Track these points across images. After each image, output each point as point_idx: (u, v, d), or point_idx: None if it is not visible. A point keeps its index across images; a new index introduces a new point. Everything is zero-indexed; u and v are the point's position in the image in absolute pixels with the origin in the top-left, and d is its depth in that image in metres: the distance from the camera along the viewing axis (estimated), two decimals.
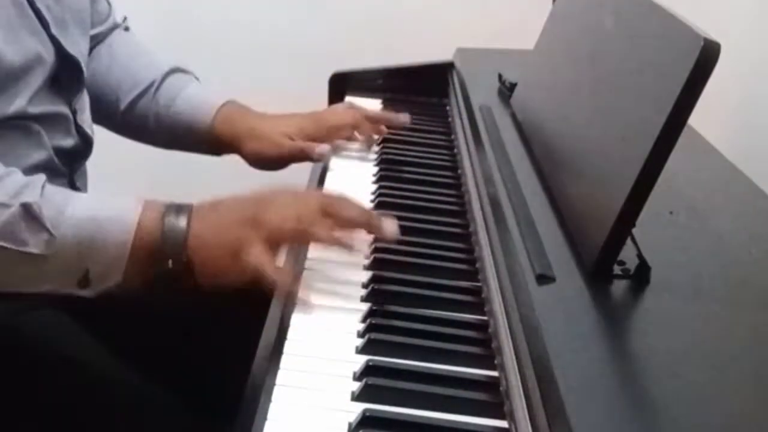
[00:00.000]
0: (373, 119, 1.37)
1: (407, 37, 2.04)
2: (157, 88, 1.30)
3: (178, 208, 0.96)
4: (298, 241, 1.01)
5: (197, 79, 1.36)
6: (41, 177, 0.97)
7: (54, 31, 1.10)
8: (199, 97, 1.31)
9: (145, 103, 1.30)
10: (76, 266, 0.93)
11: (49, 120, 1.10)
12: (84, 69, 1.17)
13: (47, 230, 0.92)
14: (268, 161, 1.29)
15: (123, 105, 1.30)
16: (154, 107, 1.30)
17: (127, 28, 1.37)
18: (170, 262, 0.94)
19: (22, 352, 1.05)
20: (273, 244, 0.97)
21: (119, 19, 1.37)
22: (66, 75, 1.13)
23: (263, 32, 2.11)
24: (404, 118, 1.39)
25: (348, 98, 1.55)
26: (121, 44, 1.34)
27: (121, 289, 0.95)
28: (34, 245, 0.91)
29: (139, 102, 1.30)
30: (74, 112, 1.15)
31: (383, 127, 1.38)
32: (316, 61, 1.67)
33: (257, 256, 0.95)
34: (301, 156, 1.28)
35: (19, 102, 1.05)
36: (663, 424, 0.70)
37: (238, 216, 0.97)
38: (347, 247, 0.99)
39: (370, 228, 1.01)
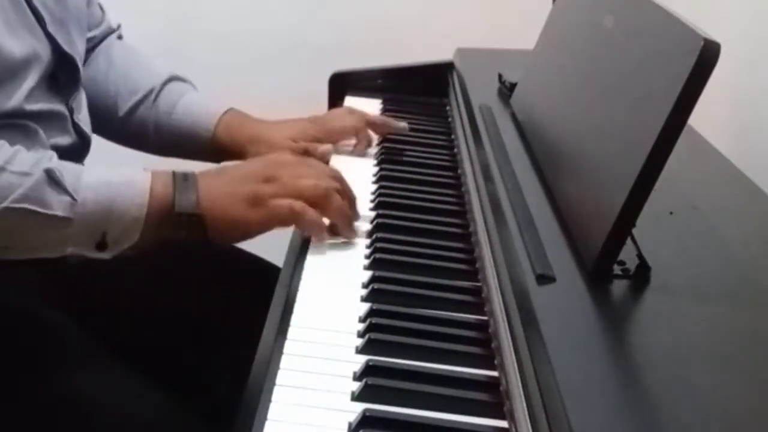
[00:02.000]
0: (373, 125, 1.37)
1: (407, 37, 2.04)
2: (157, 95, 1.30)
3: (184, 174, 1.03)
4: (311, 199, 1.04)
5: (194, 87, 1.35)
6: (51, 151, 1.03)
7: (51, 28, 1.10)
8: (199, 105, 1.31)
9: (145, 110, 1.30)
10: (96, 229, 0.98)
11: (46, 118, 1.10)
12: (81, 68, 1.17)
13: (69, 194, 0.97)
14: None
15: (122, 112, 1.30)
16: (153, 115, 1.30)
17: (120, 37, 1.37)
18: (184, 217, 1.00)
19: (22, 353, 1.05)
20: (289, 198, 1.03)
21: (114, 25, 1.37)
22: (63, 73, 1.13)
23: (263, 32, 2.11)
24: (403, 124, 1.39)
25: (348, 98, 1.55)
26: (119, 51, 1.34)
27: (135, 251, 1.01)
28: (59, 208, 0.97)
29: (139, 109, 1.30)
30: (71, 111, 1.15)
31: (382, 131, 1.38)
32: (316, 61, 1.68)
33: (289, 203, 1.02)
34: (305, 155, 1.27)
35: (16, 98, 1.05)
36: (663, 424, 0.70)
37: (250, 171, 1.06)
38: (350, 228, 1.07)
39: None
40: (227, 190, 1.03)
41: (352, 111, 1.39)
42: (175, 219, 1.00)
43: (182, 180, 1.02)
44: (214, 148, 1.29)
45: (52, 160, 0.99)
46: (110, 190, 0.99)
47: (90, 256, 0.99)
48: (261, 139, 1.28)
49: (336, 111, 1.42)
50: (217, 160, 1.31)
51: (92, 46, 1.31)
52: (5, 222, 0.95)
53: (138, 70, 1.32)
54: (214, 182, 1.03)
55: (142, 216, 0.99)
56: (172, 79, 1.32)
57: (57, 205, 0.97)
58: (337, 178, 1.08)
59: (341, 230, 1.07)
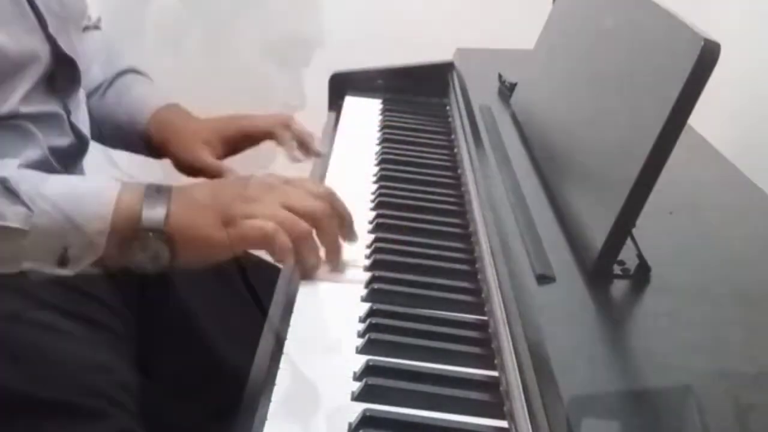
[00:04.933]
0: (296, 133, 1.30)
1: (407, 37, 2.04)
2: (107, 88, 1.29)
3: (158, 186, 0.96)
4: (285, 220, 0.96)
5: (150, 80, 1.33)
6: (14, 159, 0.98)
7: (52, 30, 1.09)
8: (141, 98, 1.28)
9: (93, 102, 1.28)
10: (55, 242, 0.92)
11: (43, 119, 1.10)
12: (79, 68, 1.16)
13: (25, 204, 0.92)
14: (187, 170, 1.28)
15: None
16: (101, 107, 1.28)
17: (97, 27, 1.37)
18: (151, 234, 0.93)
19: (20, 353, 1.05)
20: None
21: (94, 18, 1.36)
22: (62, 74, 1.13)
23: (263, 31, 2.11)
24: (321, 149, 1.32)
25: (348, 98, 1.55)
26: (87, 45, 1.31)
27: (100, 268, 0.94)
28: (12, 219, 0.91)
29: (89, 101, 1.26)
30: (68, 112, 1.15)
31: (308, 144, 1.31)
32: (317, 61, 1.68)
33: (261, 224, 0.94)
34: (215, 175, 1.24)
35: (12, 100, 1.05)
36: (663, 424, 0.70)
37: (230, 190, 0.98)
38: (338, 257, 1.00)
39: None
40: (200, 206, 0.95)
41: (280, 115, 1.33)
42: (140, 236, 0.93)
43: (154, 193, 0.95)
44: (146, 142, 1.27)
45: (11, 168, 0.95)
46: (72, 201, 0.93)
47: (50, 272, 0.93)
48: (180, 138, 1.25)
49: (260, 114, 1.36)
50: (158, 156, 1.29)
51: None
52: None
53: (98, 63, 1.31)
54: (189, 198, 0.96)
55: (105, 229, 0.92)
56: (127, 71, 1.30)
57: (11, 215, 0.91)
58: (328, 198, 1.00)
59: (328, 258, 1.00)
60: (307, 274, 0.99)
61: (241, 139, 1.29)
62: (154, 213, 0.93)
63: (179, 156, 1.26)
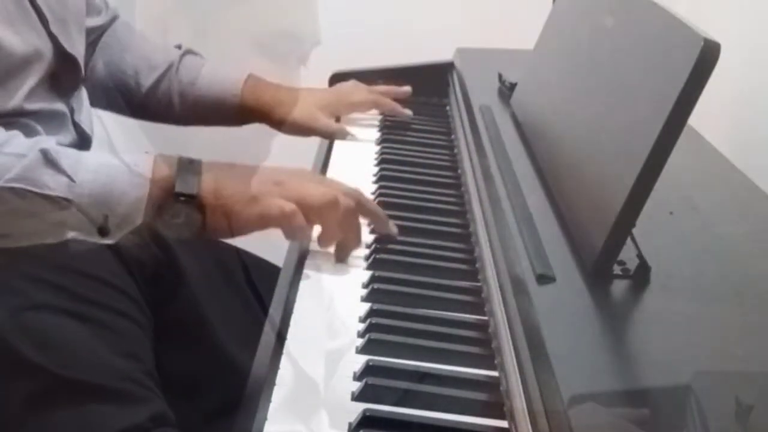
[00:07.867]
0: (385, 93, 1.49)
1: (407, 37, 2.04)
2: (177, 68, 1.35)
3: (189, 159, 1.01)
4: (313, 206, 1.01)
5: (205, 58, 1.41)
6: (51, 137, 1.02)
7: (53, 28, 1.10)
8: (221, 72, 1.37)
9: (168, 83, 1.34)
10: (97, 211, 0.96)
11: (46, 117, 1.10)
12: (82, 67, 1.17)
13: (66, 174, 0.95)
14: (299, 129, 1.38)
15: (144, 88, 1.34)
16: (177, 86, 1.35)
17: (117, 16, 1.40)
18: (184, 200, 0.97)
19: (56, 342, 1.04)
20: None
21: (117, 12, 1.39)
22: (64, 73, 1.13)
23: (253, 25, 2.10)
24: (406, 88, 1.51)
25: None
26: (126, 32, 1.37)
27: (138, 237, 0.99)
28: (56, 188, 0.94)
29: (162, 83, 1.34)
30: (72, 110, 1.16)
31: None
32: (316, 61, 1.67)
33: (281, 203, 0.99)
34: (330, 135, 1.41)
35: (17, 97, 1.05)
36: (663, 424, 0.70)
37: (261, 174, 1.03)
38: (356, 241, 1.05)
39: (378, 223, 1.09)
40: (230, 179, 1.00)
41: (358, 85, 1.50)
42: (174, 202, 0.97)
43: (187, 163, 1.00)
44: (241, 111, 1.36)
45: (50, 142, 0.98)
46: (111, 171, 0.96)
47: (92, 241, 0.97)
48: (288, 102, 1.36)
49: (347, 85, 1.51)
50: (241, 124, 1.38)
51: (100, 33, 1.34)
52: (1, 205, 0.93)
53: (152, 47, 1.38)
54: (221, 173, 1.01)
55: (143, 196, 0.96)
56: (188, 52, 1.38)
57: (54, 185, 0.94)
58: (354, 196, 1.04)
59: (344, 245, 1.05)
60: (347, 248, 1.05)
61: (345, 110, 1.48)
62: (188, 180, 0.98)
63: (289, 116, 1.36)
